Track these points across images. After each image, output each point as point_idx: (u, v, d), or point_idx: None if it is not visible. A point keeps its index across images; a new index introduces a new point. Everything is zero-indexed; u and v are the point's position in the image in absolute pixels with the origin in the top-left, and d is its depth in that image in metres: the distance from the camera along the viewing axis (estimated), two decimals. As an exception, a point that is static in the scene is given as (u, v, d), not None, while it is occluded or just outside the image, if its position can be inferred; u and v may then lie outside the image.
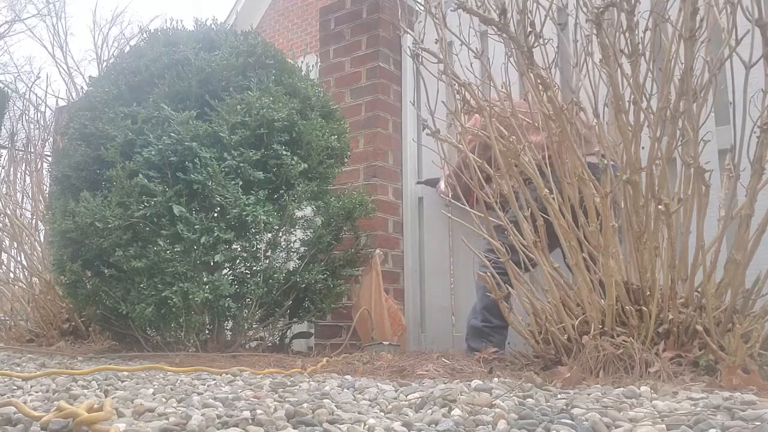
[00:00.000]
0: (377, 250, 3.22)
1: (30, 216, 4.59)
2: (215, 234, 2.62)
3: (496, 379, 1.74)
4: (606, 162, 1.89)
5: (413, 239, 3.56)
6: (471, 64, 2.41)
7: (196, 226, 2.61)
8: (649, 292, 1.84)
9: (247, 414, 1.21)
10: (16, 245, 4.43)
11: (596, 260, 1.95)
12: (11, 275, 4.55)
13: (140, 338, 2.85)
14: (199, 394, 1.55)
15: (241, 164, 2.69)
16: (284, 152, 2.78)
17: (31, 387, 1.78)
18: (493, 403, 1.32)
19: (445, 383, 1.70)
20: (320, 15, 3.98)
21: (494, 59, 2.46)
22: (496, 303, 2.17)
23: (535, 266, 2.11)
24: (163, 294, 2.58)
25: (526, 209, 2.08)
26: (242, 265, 2.92)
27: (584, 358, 1.81)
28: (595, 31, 1.83)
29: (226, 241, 2.66)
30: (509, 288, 2.18)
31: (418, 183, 3.56)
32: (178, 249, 2.59)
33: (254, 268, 2.87)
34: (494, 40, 2.24)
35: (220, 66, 2.85)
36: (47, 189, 4.33)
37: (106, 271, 2.78)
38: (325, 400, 1.41)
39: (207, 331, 2.83)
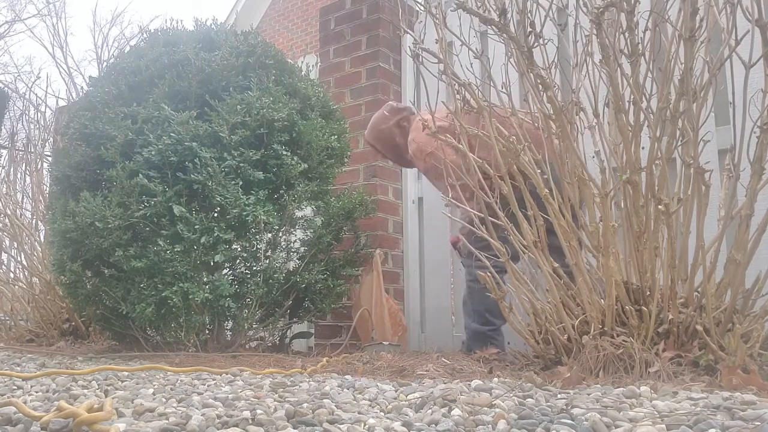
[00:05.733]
0: (377, 250, 3.22)
1: (30, 216, 4.59)
2: (215, 234, 2.62)
3: (496, 379, 1.74)
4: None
5: (413, 239, 3.56)
6: (471, 64, 2.41)
7: (196, 226, 2.61)
8: (649, 292, 1.84)
9: (247, 414, 1.21)
10: (16, 245, 4.43)
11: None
12: (11, 275, 4.55)
13: (140, 338, 2.85)
14: (199, 394, 1.55)
15: (241, 164, 2.69)
16: (284, 152, 2.78)
17: (31, 387, 1.78)
18: (493, 403, 1.32)
19: (445, 383, 1.70)
20: (320, 15, 3.98)
21: (494, 59, 2.46)
22: (496, 303, 2.17)
23: (517, 260, 2.11)
24: (163, 294, 2.58)
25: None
26: (242, 265, 2.92)
27: (584, 358, 1.81)
28: (595, 32, 1.83)
29: (226, 241, 2.66)
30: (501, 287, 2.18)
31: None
32: (178, 249, 2.59)
33: (254, 268, 2.87)
34: (494, 40, 2.24)
35: (220, 66, 2.85)
36: (47, 189, 4.33)
37: (106, 271, 2.78)
38: (325, 400, 1.41)
39: (207, 331, 2.83)
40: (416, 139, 2.85)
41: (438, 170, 2.75)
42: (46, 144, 4.79)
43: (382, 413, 1.30)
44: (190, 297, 2.58)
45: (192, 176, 2.63)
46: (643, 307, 1.82)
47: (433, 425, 1.15)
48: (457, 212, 2.60)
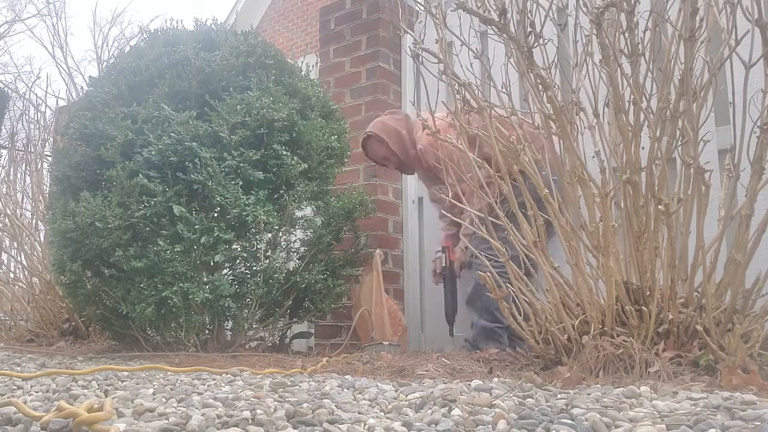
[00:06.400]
0: (377, 250, 3.22)
1: (30, 216, 4.59)
2: (215, 234, 2.62)
3: (496, 379, 1.74)
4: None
5: (413, 239, 3.56)
6: (471, 64, 2.41)
7: (196, 226, 2.61)
8: (649, 292, 1.84)
9: (247, 414, 1.21)
10: (16, 245, 4.43)
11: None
12: (11, 275, 4.55)
13: (140, 338, 2.85)
14: (199, 394, 1.55)
15: (241, 164, 2.69)
16: (284, 152, 2.78)
17: (31, 387, 1.78)
18: (493, 403, 1.32)
19: (445, 383, 1.70)
20: (320, 15, 3.98)
21: (494, 59, 2.46)
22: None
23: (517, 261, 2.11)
24: (163, 294, 2.57)
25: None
26: (242, 265, 2.92)
27: (584, 358, 1.80)
28: (595, 32, 1.83)
29: (226, 241, 2.66)
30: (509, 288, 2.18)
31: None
32: (178, 249, 2.59)
33: (254, 268, 2.87)
34: (494, 40, 2.24)
35: (220, 66, 2.85)
36: (47, 189, 4.33)
37: (106, 271, 2.78)
38: (325, 400, 1.41)
39: (207, 331, 2.83)
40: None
41: (452, 160, 2.74)
42: (46, 144, 4.79)
43: (382, 413, 1.30)
44: (190, 297, 2.58)
45: (192, 176, 2.63)
46: (643, 307, 1.82)
47: (433, 425, 1.15)
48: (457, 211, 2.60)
